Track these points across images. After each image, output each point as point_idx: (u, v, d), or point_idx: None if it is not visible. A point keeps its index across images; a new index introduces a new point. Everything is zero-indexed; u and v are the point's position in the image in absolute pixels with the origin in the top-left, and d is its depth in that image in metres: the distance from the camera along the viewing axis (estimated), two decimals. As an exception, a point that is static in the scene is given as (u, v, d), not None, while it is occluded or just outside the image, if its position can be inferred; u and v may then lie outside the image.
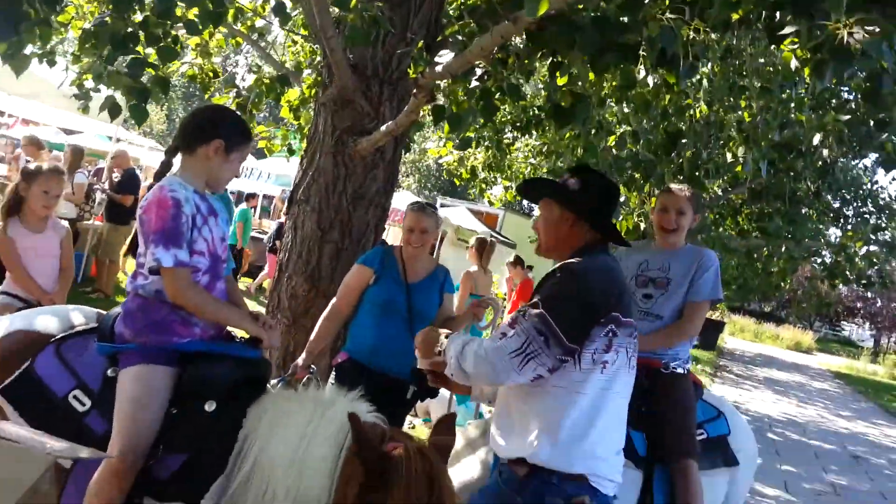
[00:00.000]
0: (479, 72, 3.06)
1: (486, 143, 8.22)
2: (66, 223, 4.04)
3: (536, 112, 6.80)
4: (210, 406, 2.11)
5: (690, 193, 3.12)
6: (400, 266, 3.53)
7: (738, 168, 6.90)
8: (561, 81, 2.85)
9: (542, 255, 2.34)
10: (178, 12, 3.21)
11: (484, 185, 9.57)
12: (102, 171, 12.82)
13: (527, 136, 8.90)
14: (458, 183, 9.38)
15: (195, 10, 3.27)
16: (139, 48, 2.96)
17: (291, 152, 6.06)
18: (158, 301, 2.21)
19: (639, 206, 5.74)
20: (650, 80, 2.97)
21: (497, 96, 3.06)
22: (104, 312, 2.53)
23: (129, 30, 2.83)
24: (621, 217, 4.82)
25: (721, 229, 10.62)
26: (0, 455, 1.60)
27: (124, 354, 2.19)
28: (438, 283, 3.65)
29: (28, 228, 3.58)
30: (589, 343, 2.05)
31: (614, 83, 4.76)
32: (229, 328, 2.41)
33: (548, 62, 3.04)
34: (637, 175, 5.20)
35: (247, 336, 2.31)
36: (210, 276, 2.30)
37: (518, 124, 7.63)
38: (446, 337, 2.18)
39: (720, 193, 10.05)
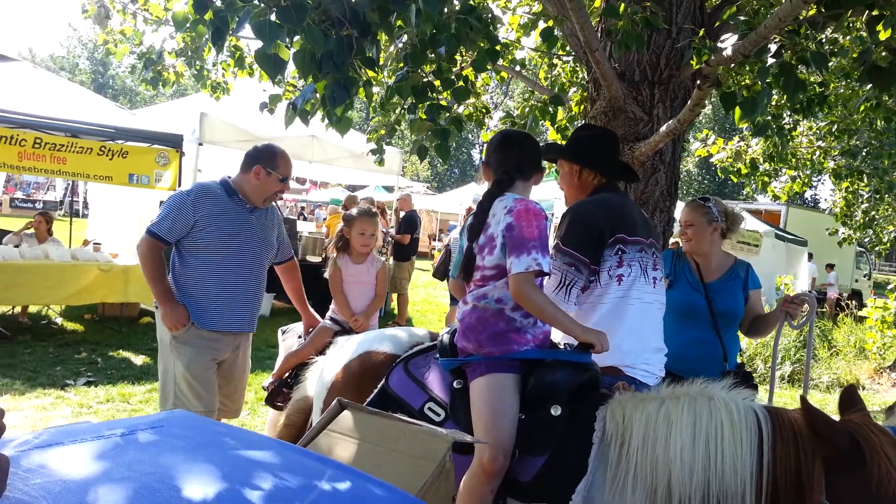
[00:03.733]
0: (773, 48, 2.84)
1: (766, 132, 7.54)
2: (383, 258, 4.61)
3: (818, 89, 6.09)
4: (556, 410, 2.18)
5: None
6: (694, 268, 3.39)
7: None
8: (884, 35, 2.50)
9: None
10: (461, 55, 3.50)
11: (766, 178, 8.77)
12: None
13: (810, 118, 8.02)
14: (734, 180, 8.72)
15: (470, 52, 3.55)
16: (435, 94, 3.27)
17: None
18: (497, 311, 2.36)
19: None
20: None
21: (798, 70, 2.80)
22: (435, 332, 2.81)
23: (426, 79, 3.14)
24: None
25: None
26: (409, 436, 1.84)
27: (471, 366, 2.36)
28: (740, 280, 3.43)
29: (352, 261, 4.20)
30: (603, 262, 2.53)
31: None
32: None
33: (862, 21, 2.71)
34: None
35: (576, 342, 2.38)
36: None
37: (798, 106, 6.91)
38: None
39: None
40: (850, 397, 1.89)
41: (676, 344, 3.21)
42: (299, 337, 4.08)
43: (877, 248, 12.18)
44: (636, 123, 4.22)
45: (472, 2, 3.51)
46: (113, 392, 5.78)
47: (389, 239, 10.45)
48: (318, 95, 2.77)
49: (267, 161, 3.50)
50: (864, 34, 3.05)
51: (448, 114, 3.57)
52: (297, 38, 2.36)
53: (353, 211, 4.29)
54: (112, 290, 8.04)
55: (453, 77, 3.35)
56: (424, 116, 3.33)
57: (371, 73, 2.83)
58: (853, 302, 14.05)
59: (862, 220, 10.59)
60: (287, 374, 3.86)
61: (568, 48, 4.95)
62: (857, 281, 19.78)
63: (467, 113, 4.82)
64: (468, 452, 2.25)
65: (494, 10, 5.25)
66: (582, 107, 4.84)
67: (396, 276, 10.20)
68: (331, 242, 4.32)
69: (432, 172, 50.12)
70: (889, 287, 11.09)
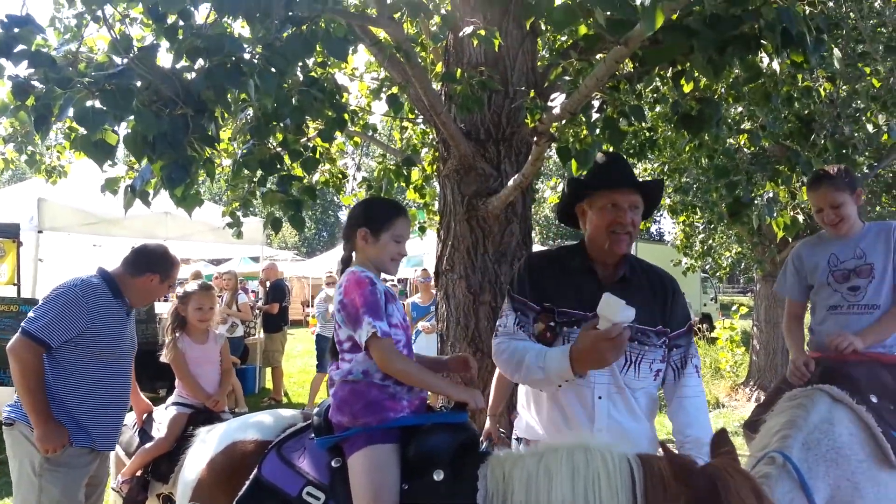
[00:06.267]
0: (596, 104, 3.09)
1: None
2: (221, 331, 4.46)
3: (647, 134, 6.68)
4: (438, 475, 2.15)
5: (834, 182, 2.88)
6: None
7: (885, 137, 6.38)
8: (687, 88, 2.81)
9: None
10: (309, 127, 3.52)
11: (613, 220, 9.38)
12: (249, 291, 13.91)
13: (642, 161, 8.73)
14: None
15: (317, 122, 3.58)
16: (284, 165, 3.25)
17: (423, 230, 6.29)
18: (367, 382, 2.33)
19: (790, 198, 5.40)
20: (776, 66, 2.86)
21: (620, 122, 3.06)
22: (307, 412, 2.71)
23: (274, 151, 3.12)
24: (776, 214, 4.55)
25: (878, 208, 9.78)
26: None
27: (349, 441, 2.29)
28: None
29: (193, 340, 4.03)
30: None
31: (729, 82, 4.62)
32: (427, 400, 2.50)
33: (666, 76, 3.02)
34: (781, 168, 4.92)
35: (450, 402, 2.38)
36: (407, 350, 2.43)
37: (631, 151, 7.51)
38: None
39: (867, 171, 9.31)
40: (720, 440, 1.98)
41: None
42: (134, 426, 3.84)
43: (717, 274, 13.31)
44: (487, 179, 4.41)
45: (313, 73, 3.56)
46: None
47: (258, 311, 10.12)
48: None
49: (164, 270, 3.35)
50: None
51: (301, 183, 3.56)
52: (127, 119, 2.27)
53: (187, 287, 4.19)
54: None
55: (301, 148, 3.35)
56: (275, 188, 3.29)
57: (209, 152, 2.76)
58: (704, 325, 15.17)
59: (701, 250, 11.59)
60: (142, 471, 3.60)
61: (416, 111, 5.12)
62: (705, 305, 21.44)
63: (323, 179, 4.83)
64: None
65: (340, 79, 5.33)
66: (435, 166, 4.99)
67: (268, 348, 9.85)
68: (167, 324, 4.15)
69: (300, 238, 49.30)
70: (733, 308, 12.09)
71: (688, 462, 1.84)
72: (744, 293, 43.58)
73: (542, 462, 2.05)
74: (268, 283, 10.20)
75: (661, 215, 10.47)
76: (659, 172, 8.87)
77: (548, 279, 2.42)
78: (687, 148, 7.18)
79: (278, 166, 3.16)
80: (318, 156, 3.61)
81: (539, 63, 4.69)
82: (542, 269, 2.45)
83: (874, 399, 2.58)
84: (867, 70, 6.39)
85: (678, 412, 2.35)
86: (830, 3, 2.80)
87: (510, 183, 4.06)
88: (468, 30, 3.54)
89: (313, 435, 2.45)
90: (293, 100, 3.01)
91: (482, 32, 3.49)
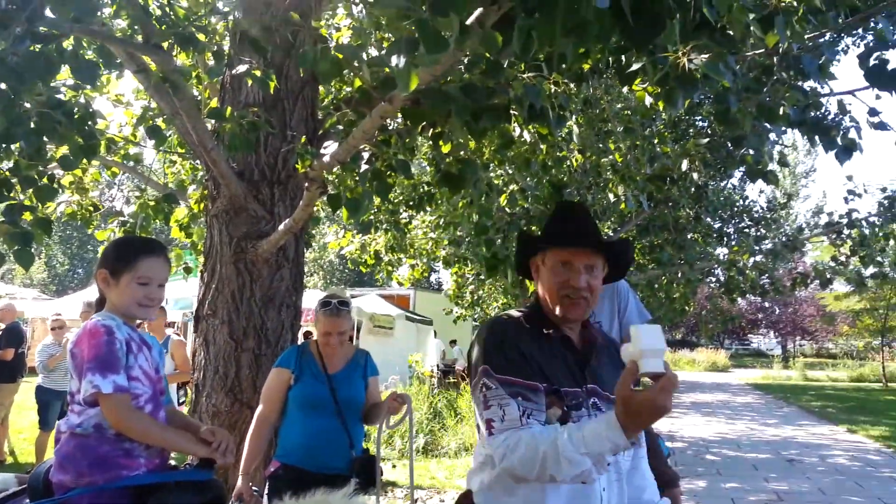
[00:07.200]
0: (365, 155, 3.16)
1: (384, 227, 8.35)
2: None
3: (426, 188, 7.02)
4: None
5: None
6: (318, 360, 3.47)
7: (623, 205, 7.34)
8: (445, 149, 2.98)
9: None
10: (51, 152, 3.14)
11: (390, 268, 9.65)
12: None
13: (422, 213, 9.13)
14: (364, 270, 9.38)
15: (64, 148, 3.22)
16: (14, 193, 2.86)
17: (189, 271, 5.90)
18: (98, 436, 2.10)
19: (542, 257, 5.97)
20: (526, 136, 3.16)
21: (388, 175, 3.15)
22: (23, 475, 2.36)
23: (2, 177, 2.74)
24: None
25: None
26: None
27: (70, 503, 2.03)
28: (360, 368, 3.59)
29: None
30: None
31: (493, 147, 5.00)
32: (171, 458, 2.30)
33: (429, 136, 3.19)
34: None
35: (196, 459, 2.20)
36: (153, 405, 2.22)
37: (411, 203, 7.83)
38: None
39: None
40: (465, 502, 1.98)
41: (304, 436, 3.23)
42: None
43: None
44: (258, 221, 4.27)
45: (63, 96, 3.22)
46: None
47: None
48: None
49: None
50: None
51: (33, 215, 3.15)
52: None
53: None
54: None
55: (35, 175, 2.98)
56: (1, 217, 2.88)
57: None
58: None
59: (470, 300, 12.30)
60: None
61: (187, 145, 4.85)
62: (476, 352, 22.60)
63: (69, 211, 4.34)
64: None
65: (102, 104, 4.90)
66: (203, 204, 4.74)
67: (-4, 401, 8.49)
68: None
69: (50, 274, 43.88)
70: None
71: None
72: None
73: None
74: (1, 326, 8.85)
75: (440, 265, 11.00)
76: (434, 225, 9.30)
77: (534, 352, 1.91)
78: (460, 204, 7.64)
79: (6, 193, 2.77)
80: (56, 185, 3.22)
81: (321, 110, 4.71)
82: (520, 339, 1.93)
83: None
84: (611, 146, 7.36)
85: (633, 475, 2.02)
86: (573, 86, 3.18)
87: (280, 227, 3.97)
88: (242, 68, 3.45)
89: (27, 501, 2.17)
90: (31, 122, 2.68)
91: (257, 73, 3.42)
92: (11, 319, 9.11)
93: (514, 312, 2.06)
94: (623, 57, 2.72)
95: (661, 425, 11.91)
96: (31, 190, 2.95)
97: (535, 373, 1.85)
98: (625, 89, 7.11)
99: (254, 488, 3.25)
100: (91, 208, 4.61)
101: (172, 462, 2.40)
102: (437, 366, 16.46)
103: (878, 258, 9.54)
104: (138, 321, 2.37)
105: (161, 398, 2.31)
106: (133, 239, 2.49)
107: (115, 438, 2.11)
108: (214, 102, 4.56)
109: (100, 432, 2.11)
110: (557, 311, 1.95)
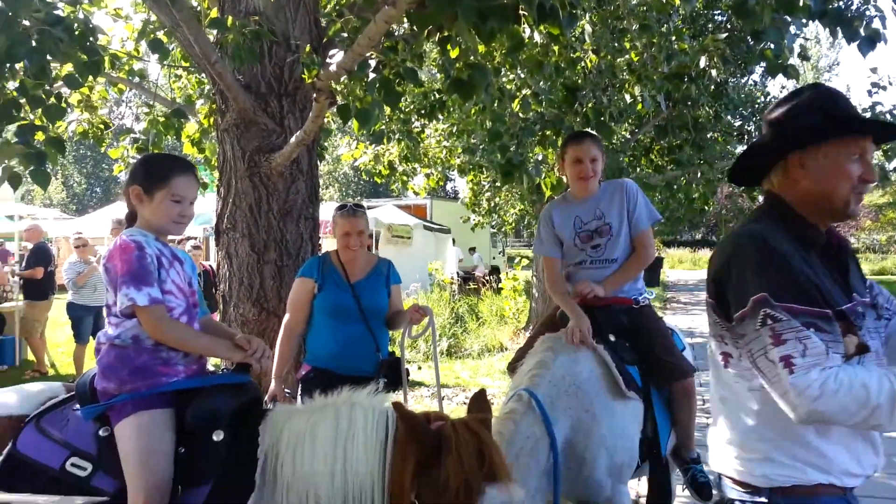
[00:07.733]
0: (373, 63, 3.09)
1: (397, 136, 8.26)
2: None
3: (437, 96, 6.88)
4: (218, 436, 2.11)
5: (595, 139, 3.22)
6: (340, 269, 3.53)
7: (640, 106, 7.16)
8: (454, 54, 2.90)
9: None
10: (56, 71, 3.10)
11: (405, 178, 9.61)
12: (7, 253, 12.30)
13: (434, 121, 9.00)
14: (379, 181, 9.36)
15: (69, 66, 3.17)
16: (23, 114, 2.86)
17: (205, 186, 5.93)
18: (136, 347, 2.20)
19: (558, 161, 5.91)
20: (537, 38, 3.06)
21: (397, 83, 3.09)
22: (69, 384, 2.49)
23: (11, 97, 2.73)
24: (543, 175, 4.95)
25: (638, 170, 10.98)
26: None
27: (115, 409, 2.16)
28: (383, 277, 3.66)
29: None
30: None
31: (503, 51, 4.86)
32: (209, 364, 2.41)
33: (436, 41, 3.09)
34: (548, 132, 5.33)
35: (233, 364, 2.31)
36: (187, 317, 2.30)
37: (422, 111, 7.69)
38: None
39: (629, 136, 10.39)
40: (477, 402, 2.07)
41: (333, 341, 3.34)
42: None
43: (503, 229, 14.21)
44: (269, 135, 4.25)
45: (61, 12, 3.15)
46: None
47: (16, 279, 9.00)
48: None
49: None
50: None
51: (45, 134, 3.14)
52: None
53: None
54: None
55: (42, 94, 2.96)
56: (13, 139, 2.89)
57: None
58: (493, 276, 16.20)
59: (487, 207, 12.28)
60: None
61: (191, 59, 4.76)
62: (494, 258, 22.85)
63: (81, 130, 4.33)
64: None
65: (101, 20, 4.79)
66: (212, 119, 4.70)
67: (28, 317, 8.81)
68: None
69: (69, 194, 44.34)
70: (515, 261, 12.99)
71: (420, 421, 1.91)
72: (528, 246, 47.07)
73: (310, 420, 2.09)
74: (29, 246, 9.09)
75: (454, 174, 10.95)
76: (447, 133, 9.18)
77: (808, 270, 1.67)
78: (473, 111, 7.51)
79: (16, 114, 2.77)
80: (63, 104, 3.20)
81: (323, 19, 4.57)
82: (792, 256, 1.67)
83: (612, 337, 2.95)
84: (626, 45, 7.09)
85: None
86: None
87: (292, 140, 3.95)
88: (240, -25, 3.34)
89: (77, 405, 2.28)
90: (32, 40, 2.64)
91: (256, -21, 3.31)
92: (38, 239, 9.32)
93: (762, 224, 1.75)
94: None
95: (678, 321, 12.10)
96: (39, 110, 2.94)
97: (818, 296, 1.62)
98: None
99: (286, 391, 3.40)
100: (102, 126, 4.60)
101: (210, 368, 2.51)
102: (458, 273, 16.66)
103: (903, 152, 9.29)
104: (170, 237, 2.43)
105: (195, 310, 2.39)
106: (164, 156, 2.51)
107: (153, 349, 2.21)
108: (214, 13, 4.44)
109: (137, 343, 2.21)
110: (845, 206, 1.71)
